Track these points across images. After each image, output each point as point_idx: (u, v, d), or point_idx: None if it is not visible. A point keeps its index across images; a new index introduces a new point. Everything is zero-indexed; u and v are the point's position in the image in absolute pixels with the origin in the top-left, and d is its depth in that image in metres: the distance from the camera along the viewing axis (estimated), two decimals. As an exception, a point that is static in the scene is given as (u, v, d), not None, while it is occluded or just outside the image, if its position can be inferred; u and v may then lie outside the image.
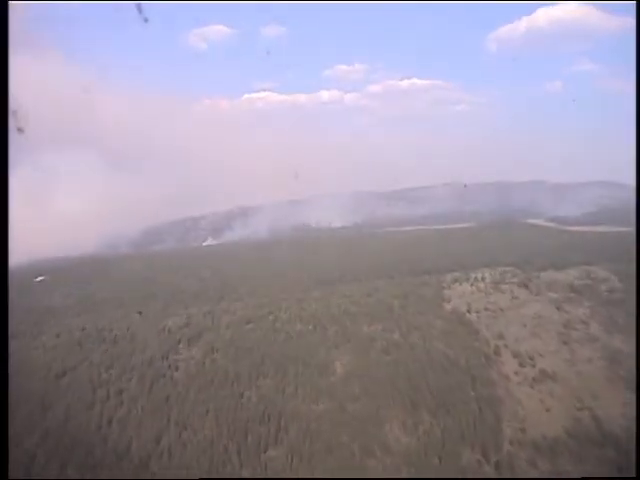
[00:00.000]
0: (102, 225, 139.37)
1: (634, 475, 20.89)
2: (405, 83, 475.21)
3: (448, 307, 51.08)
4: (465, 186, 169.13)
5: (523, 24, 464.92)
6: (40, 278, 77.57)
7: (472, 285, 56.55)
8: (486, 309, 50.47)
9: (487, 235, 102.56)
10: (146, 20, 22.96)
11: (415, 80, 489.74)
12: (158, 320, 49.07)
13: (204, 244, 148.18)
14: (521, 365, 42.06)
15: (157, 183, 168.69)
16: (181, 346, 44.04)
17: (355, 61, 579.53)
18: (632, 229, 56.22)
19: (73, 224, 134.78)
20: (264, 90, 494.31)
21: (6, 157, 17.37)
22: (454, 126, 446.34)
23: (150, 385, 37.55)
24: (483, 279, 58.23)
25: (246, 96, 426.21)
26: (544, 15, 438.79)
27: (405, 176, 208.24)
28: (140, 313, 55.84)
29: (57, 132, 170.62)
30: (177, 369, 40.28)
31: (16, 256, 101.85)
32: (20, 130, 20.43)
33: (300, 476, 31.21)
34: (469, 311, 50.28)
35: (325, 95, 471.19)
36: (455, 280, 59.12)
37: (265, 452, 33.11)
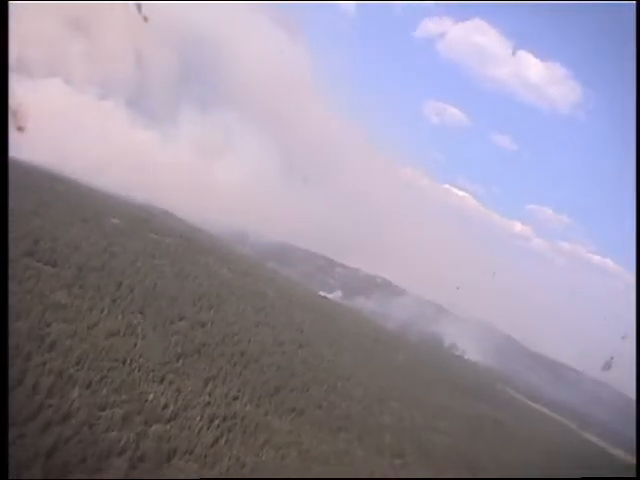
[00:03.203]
0: (246, 215, 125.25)
1: (634, 475, 23.01)
2: (596, 259, 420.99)
3: None
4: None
5: None
6: (115, 221, 59.24)
7: None
8: None
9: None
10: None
11: (609, 261, 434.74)
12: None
13: (323, 293, 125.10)
14: None
15: (317, 208, 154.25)
16: None
17: (564, 212, 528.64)
18: None
19: (223, 195, 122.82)
20: (466, 191, 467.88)
21: (6, 157, 16.56)
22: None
23: None
24: None
25: (446, 186, 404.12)
26: None
27: (557, 348, 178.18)
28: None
29: (259, 110, 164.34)
30: None
31: (143, 193, 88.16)
32: (20, 129, 19.10)
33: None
34: None
35: (518, 227, 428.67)
36: None
37: None
